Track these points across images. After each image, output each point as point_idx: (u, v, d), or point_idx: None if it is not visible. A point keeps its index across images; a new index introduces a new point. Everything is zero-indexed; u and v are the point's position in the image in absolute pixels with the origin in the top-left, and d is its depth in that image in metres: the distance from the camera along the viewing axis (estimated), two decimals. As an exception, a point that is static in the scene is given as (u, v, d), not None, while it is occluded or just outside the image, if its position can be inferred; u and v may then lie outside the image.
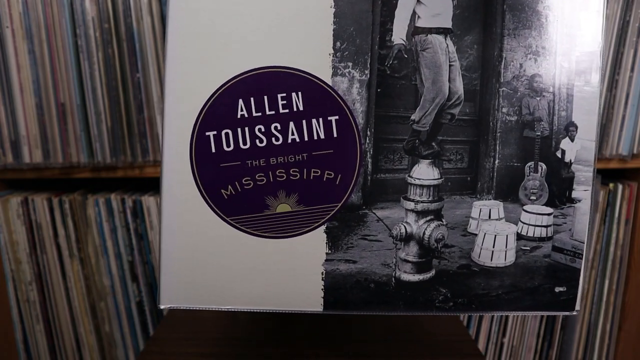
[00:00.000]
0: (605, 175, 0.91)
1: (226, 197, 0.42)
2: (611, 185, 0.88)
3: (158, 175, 0.87)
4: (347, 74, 0.41)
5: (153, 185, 0.90)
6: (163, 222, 0.42)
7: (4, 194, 0.86)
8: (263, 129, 0.41)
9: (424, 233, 0.43)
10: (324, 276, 0.43)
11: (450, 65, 0.42)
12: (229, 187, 0.42)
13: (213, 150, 0.41)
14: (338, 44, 0.41)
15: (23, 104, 0.79)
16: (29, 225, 0.84)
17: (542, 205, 0.44)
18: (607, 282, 0.92)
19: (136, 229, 0.85)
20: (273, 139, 0.41)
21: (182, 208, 0.42)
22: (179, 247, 0.43)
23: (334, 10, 0.40)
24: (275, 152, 0.41)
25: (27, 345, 0.90)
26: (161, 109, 0.79)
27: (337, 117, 0.41)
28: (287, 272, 0.43)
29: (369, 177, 0.43)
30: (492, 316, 0.92)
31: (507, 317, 0.92)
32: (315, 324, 0.61)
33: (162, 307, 0.44)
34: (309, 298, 0.43)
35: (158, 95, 0.79)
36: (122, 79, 0.79)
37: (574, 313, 0.45)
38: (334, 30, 0.40)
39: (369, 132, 0.42)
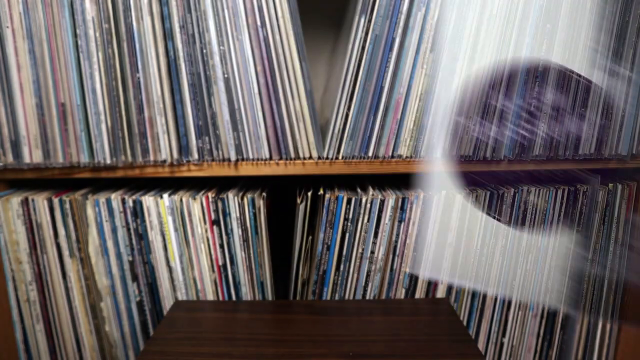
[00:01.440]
0: (605, 175, 0.91)
1: None
2: (610, 185, 0.88)
3: (158, 175, 0.88)
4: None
5: (153, 185, 0.90)
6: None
7: (4, 194, 0.86)
8: None
9: None
10: None
11: None
12: None
13: None
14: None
15: (23, 104, 0.79)
16: (29, 225, 0.84)
17: None
18: (607, 282, 0.92)
19: (136, 229, 0.85)
20: None
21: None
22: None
23: None
24: None
25: (27, 345, 0.90)
26: (161, 109, 0.79)
27: None
28: None
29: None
30: (492, 316, 0.92)
31: (507, 317, 0.92)
32: (315, 324, 0.61)
33: None
34: None
35: (158, 95, 0.79)
36: (122, 79, 0.79)
37: None
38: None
39: None
